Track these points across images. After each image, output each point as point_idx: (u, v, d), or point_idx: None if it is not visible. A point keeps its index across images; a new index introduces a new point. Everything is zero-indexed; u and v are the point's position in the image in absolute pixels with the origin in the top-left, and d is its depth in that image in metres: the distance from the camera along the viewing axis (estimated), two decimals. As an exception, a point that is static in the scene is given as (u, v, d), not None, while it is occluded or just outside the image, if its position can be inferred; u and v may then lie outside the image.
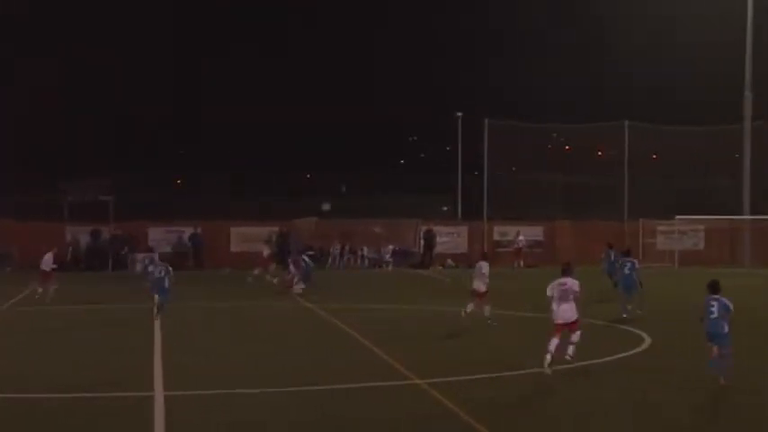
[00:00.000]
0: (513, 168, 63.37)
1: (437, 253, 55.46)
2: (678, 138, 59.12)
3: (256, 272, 42.53)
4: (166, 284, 28.61)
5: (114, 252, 52.54)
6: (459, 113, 59.85)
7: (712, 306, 18.42)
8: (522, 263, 54.59)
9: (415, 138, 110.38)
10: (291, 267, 38.21)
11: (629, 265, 29.56)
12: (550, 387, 18.35)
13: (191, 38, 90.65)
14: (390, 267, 54.17)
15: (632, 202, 58.26)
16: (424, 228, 56.00)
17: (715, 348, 18.30)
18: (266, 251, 44.04)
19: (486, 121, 57.59)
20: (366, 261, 55.01)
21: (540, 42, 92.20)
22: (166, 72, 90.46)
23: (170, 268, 29.38)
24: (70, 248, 51.81)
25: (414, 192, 76.28)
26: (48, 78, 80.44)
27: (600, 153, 68.53)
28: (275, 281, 39.65)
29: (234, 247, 54.36)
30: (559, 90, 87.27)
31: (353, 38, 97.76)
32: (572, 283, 19.93)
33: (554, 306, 19.78)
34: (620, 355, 21.43)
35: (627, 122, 59.21)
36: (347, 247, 55.13)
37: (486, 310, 27.12)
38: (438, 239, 55.72)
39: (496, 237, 57.65)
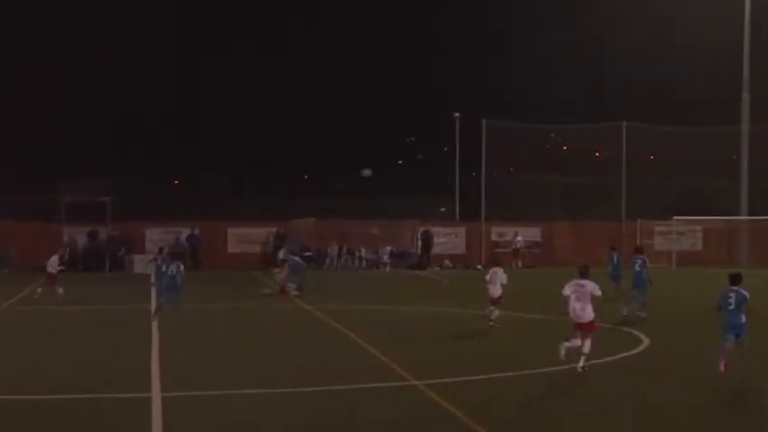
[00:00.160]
0: (511, 169, 63.48)
1: (435, 254, 55.47)
2: (676, 138, 59.17)
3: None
4: (179, 283, 29.07)
5: (111, 253, 52.52)
6: (457, 114, 59.87)
7: (730, 297, 18.67)
8: (520, 263, 54.62)
9: (413, 138, 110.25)
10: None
11: (639, 262, 29.47)
12: (549, 388, 18.33)
13: (190, 37, 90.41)
14: (388, 268, 54.17)
15: (630, 202, 58.29)
16: (421, 229, 55.99)
17: (731, 341, 18.54)
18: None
19: (484, 121, 57.61)
20: (364, 262, 55.01)
21: (538, 43, 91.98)
22: (165, 72, 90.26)
23: (182, 267, 29.82)
24: (67, 249, 51.78)
25: (411, 192, 76.12)
26: (47, 78, 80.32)
27: (598, 154, 68.57)
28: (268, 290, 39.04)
29: (231, 248, 54.40)
30: (557, 91, 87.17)
31: (351, 38, 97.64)
32: (592, 286, 20.06)
33: (572, 306, 19.96)
34: (619, 356, 21.41)
35: (624, 123, 59.24)
36: (345, 248, 55.11)
37: (495, 314, 27.07)
38: (436, 240, 55.72)
39: (494, 237, 57.67)
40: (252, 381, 18.76)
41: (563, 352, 19.64)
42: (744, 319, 18.57)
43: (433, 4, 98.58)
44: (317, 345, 24.13)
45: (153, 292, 34.23)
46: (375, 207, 63.25)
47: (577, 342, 19.66)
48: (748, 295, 18.62)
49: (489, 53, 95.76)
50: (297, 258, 39.23)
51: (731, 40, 58.47)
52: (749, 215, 57.17)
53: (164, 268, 31.40)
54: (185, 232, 53.65)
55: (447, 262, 55.26)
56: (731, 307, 18.62)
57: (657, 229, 57.34)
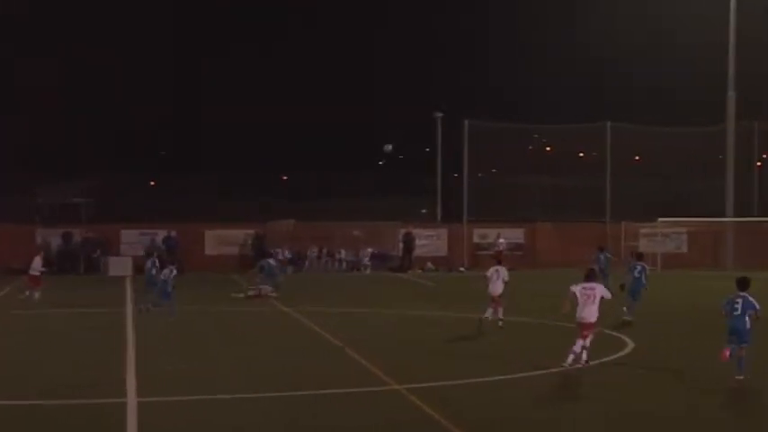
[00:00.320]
0: (494, 170, 63.48)
1: (416, 256, 55.41)
2: (661, 139, 59.26)
3: None
4: (170, 288, 29.81)
5: (86, 255, 52.30)
6: (439, 114, 59.81)
7: (737, 303, 18.89)
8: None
9: (395, 139, 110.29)
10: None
11: (638, 268, 29.70)
12: (532, 392, 18.37)
13: (164, 43, 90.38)
14: (368, 271, 54.13)
15: (615, 204, 58.35)
16: (402, 230, 55.93)
17: (727, 351, 18.73)
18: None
19: (466, 122, 57.58)
20: (344, 264, 54.93)
21: (521, 43, 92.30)
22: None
23: (174, 272, 30.45)
24: (41, 251, 51.50)
25: (393, 194, 76.25)
26: (28, 79, 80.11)
27: (582, 154, 68.64)
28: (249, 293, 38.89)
29: (209, 251, 54.22)
30: (541, 91, 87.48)
31: (330, 40, 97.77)
32: (601, 290, 20.57)
33: (578, 308, 20.42)
34: (603, 360, 21.43)
35: (609, 123, 59.31)
36: (324, 250, 55.03)
37: (496, 312, 27.23)
38: (417, 242, 55.65)
39: (476, 239, 57.67)
40: (229, 385, 18.71)
41: (571, 359, 20.12)
42: (748, 325, 18.79)
43: (415, 3, 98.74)
44: (295, 348, 24.07)
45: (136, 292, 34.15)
46: (355, 208, 63.23)
47: (581, 342, 20.19)
48: (758, 306, 18.81)
49: (472, 53, 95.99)
50: (270, 261, 39.24)
51: (716, 39, 58.65)
52: (735, 216, 57.34)
53: (153, 272, 32.18)
54: (161, 234, 53.43)
55: (429, 264, 55.25)
56: (737, 312, 18.84)
57: (642, 230, 57.41)
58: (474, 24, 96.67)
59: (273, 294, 36.52)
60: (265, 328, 28.58)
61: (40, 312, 32.04)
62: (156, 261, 33.57)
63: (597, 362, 21.24)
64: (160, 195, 76.66)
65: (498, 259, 29.48)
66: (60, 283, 42.45)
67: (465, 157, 57.86)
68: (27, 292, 34.79)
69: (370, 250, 55.35)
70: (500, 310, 27.23)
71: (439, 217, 60.53)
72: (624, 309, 28.55)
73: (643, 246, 56.64)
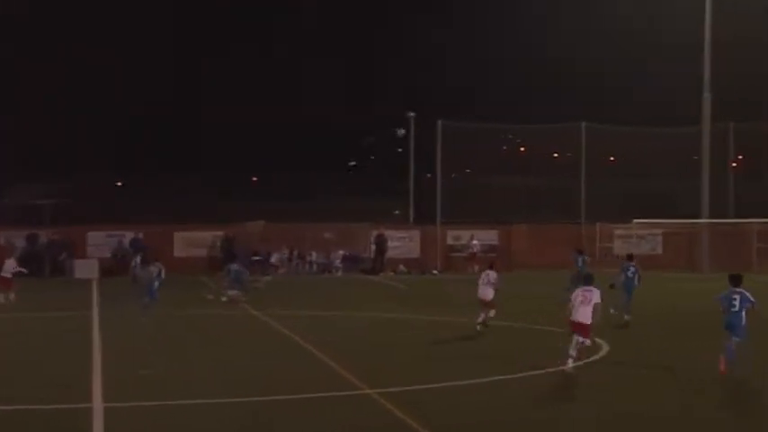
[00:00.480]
0: (468, 171, 63.60)
1: (389, 258, 55.42)
2: (636, 139, 59.46)
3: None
4: (156, 286, 30.31)
5: (52, 257, 51.98)
6: (412, 114, 59.85)
7: (734, 299, 19.45)
8: (477, 268, 54.61)
9: (369, 142, 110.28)
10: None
11: (631, 269, 30.45)
12: (506, 396, 18.40)
13: (143, 41, 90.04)
14: (340, 273, 54.09)
15: (589, 205, 58.52)
16: (374, 232, 55.89)
17: (734, 341, 19.34)
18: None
19: (439, 122, 57.64)
20: (315, 266, 54.86)
21: (494, 42, 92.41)
22: (107, 74, 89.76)
23: (162, 270, 30.78)
24: (13, 253, 51.23)
25: (364, 195, 76.23)
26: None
27: (556, 155, 68.87)
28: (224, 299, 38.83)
29: (178, 252, 53.98)
30: (515, 91, 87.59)
31: (299, 39, 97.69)
32: (597, 295, 20.81)
33: (573, 309, 20.80)
34: (577, 364, 21.47)
35: (584, 124, 59.47)
36: (295, 253, 54.94)
37: (492, 313, 27.52)
38: (390, 244, 55.65)
39: (450, 241, 57.74)
40: (197, 390, 18.62)
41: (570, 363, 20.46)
42: (744, 320, 19.37)
43: (388, 4, 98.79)
44: (265, 352, 24.02)
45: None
46: (327, 210, 63.15)
47: (587, 342, 20.72)
48: (755, 300, 19.47)
49: (445, 52, 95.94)
50: (235, 266, 39.27)
51: (692, 40, 58.96)
52: (711, 218, 57.63)
53: (136, 271, 32.22)
54: (129, 236, 53.20)
55: (401, 266, 55.26)
56: (735, 309, 19.42)
57: (617, 232, 57.67)
58: (447, 24, 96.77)
59: (243, 299, 36.53)
60: (235, 332, 28.48)
61: (4, 317, 31.80)
62: (139, 259, 33.92)
63: (572, 365, 21.30)
64: (127, 196, 76.38)
65: (490, 264, 29.53)
66: (25, 286, 42.10)
67: (438, 157, 57.91)
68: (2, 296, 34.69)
69: (341, 252, 55.31)
70: (492, 313, 27.39)
71: (411, 218, 60.56)
72: (611, 310, 28.85)
73: (617, 247, 56.99)
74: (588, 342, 20.88)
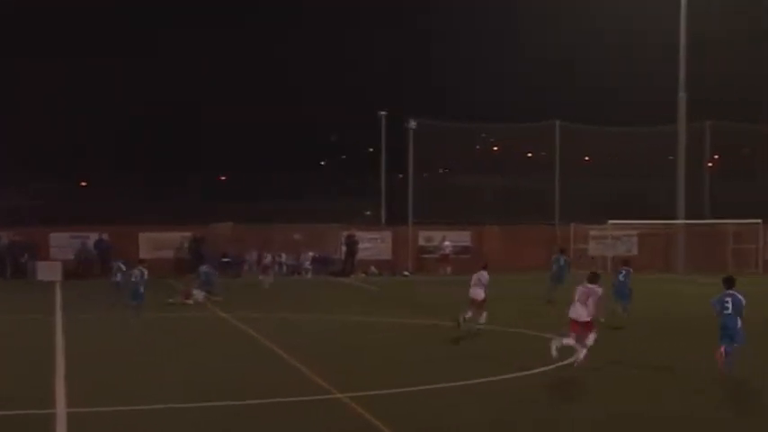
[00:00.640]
0: (440, 170, 63.64)
1: (359, 260, 55.39)
2: (611, 139, 59.71)
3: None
4: (141, 289, 30.66)
5: (13, 258, 51.64)
6: (383, 112, 59.82)
7: (727, 302, 19.72)
8: (449, 270, 54.78)
9: (336, 138, 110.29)
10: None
11: (623, 272, 31.12)
12: (478, 400, 18.41)
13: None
14: (310, 275, 54.02)
15: (564, 205, 58.69)
16: (345, 233, 55.83)
17: (722, 349, 19.65)
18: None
19: (411, 120, 57.65)
20: (284, 268, 54.74)
21: (468, 40, 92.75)
22: (60, 71, 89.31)
23: (145, 272, 31.14)
24: None
25: (335, 195, 76.25)
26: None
27: (530, 154, 69.02)
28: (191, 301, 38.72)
29: (143, 254, 53.60)
30: (488, 89, 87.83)
31: (271, 38, 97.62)
32: (597, 293, 21.42)
33: (571, 306, 21.51)
34: (549, 367, 21.54)
35: (558, 122, 59.64)
36: (264, 254, 54.82)
37: (483, 317, 27.70)
38: (360, 245, 55.61)
39: (422, 242, 57.75)
40: (164, 395, 18.55)
41: (555, 349, 21.18)
42: (740, 323, 19.66)
43: (358, 2, 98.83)
44: (234, 356, 23.95)
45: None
46: (296, 210, 63.07)
47: (570, 341, 21.14)
48: (744, 302, 19.78)
49: (418, 50, 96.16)
50: (204, 268, 39.26)
51: (668, 40, 59.25)
52: (687, 219, 57.93)
53: (118, 276, 34.16)
54: (93, 237, 52.93)
55: (372, 268, 55.24)
56: (728, 311, 19.69)
57: (592, 233, 57.86)
58: (420, 22, 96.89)
59: (218, 298, 36.53)
60: (203, 335, 28.40)
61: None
62: (122, 264, 34.72)
63: (543, 369, 21.35)
64: (92, 196, 76.02)
65: (483, 265, 29.56)
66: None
67: (410, 157, 57.91)
68: None
69: (311, 254, 55.22)
70: (483, 317, 27.56)
71: (383, 219, 60.54)
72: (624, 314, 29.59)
73: (592, 249, 57.21)
74: (593, 338, 21.39)
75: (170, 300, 36.73)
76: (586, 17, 72.59)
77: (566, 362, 21.82)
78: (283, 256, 54.83)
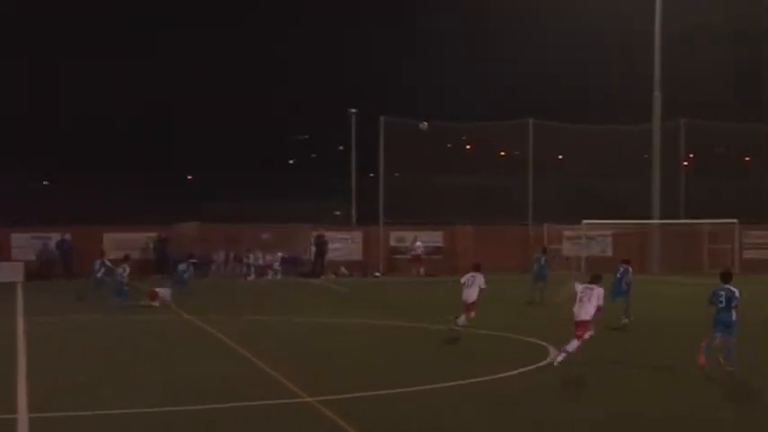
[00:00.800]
0: (411, 170, 63.57)
1: (329, 260, 55.38)
2: (585, 138, 59.87)
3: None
4: (126, 287, 31.80)
5: (-29, 260, 51.43)
6: (353, 110, 59.83)
7: (721, 295, 20.44)
8: (422, 271, 54.84)
9: (306, 136, 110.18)
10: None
11: (621, 270, 31.43)
12: (451, 403, 18.41)
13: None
14: (279, 276, 53.95)
15: (537, 205, 58.82)
16: (315, 233, 55.79)
17: (718, 337, 20.28)
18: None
19: (382, 118, 57.66)
20: (252, 269, 54.66)
21: (439, 37, 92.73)
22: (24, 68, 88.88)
23: (127, 269, 32.60)
24: None
25: (304, 194, 76.10)
26: None
27: (503, 153, 69.15)
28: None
29: (107, 255, 53.44)
30: (461, 87, 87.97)
31: (238, 35, 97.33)
32: (599, 292, 21.94)
33: (575, 307, 21.84)
34: (522, 370, 21.57)
35: (531, 121, 59.74)
36: (232, 254, 54.74)
37: (462, 318, 27.50)
38: (330, 246, 55.60)
39: (393, 243, 57.79)
40: (129, 399, 18.44)
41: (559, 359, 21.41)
42: (734, 317, 20.29)
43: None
44: (199, 359, 23.86)
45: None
46: (265, 210, 62.96)
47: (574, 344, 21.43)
48: (738, 295, 20.35)
49: (388, 47, 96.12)
50: (183, 266, 39.27)
51: (643, 38, 59.52)
52: (662, 218, 58.19)
53: (99, 274, 34.56)
54: (55, 237, 52.66)
55: (343, 269, 55.25)
56: (722, 305, 20.35)
57: (566, 233, 58.05)
58: (393, 21, 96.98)
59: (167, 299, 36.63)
60: (168, 338, 28.28)
61: None
62: (107, 261, 35.12)
63: (517, 371, 21.38)
64: (54, 196, 75.59)
65: (475, 265, 29.57)
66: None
67: (381, 155, 57.94)
68: None
69: (280, 254, 55.16)
70: (472, 314, 27.48)
71: (353, 219, 60.57)
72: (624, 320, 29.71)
73: (566, 249, 57.41)
74: (587, 336, 21.72)
75: (141, 302, 36.60)
76: (561, 15, 72.90)
77: (539, 364, 21.91)
78: (251, 256, 54.73)
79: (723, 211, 55.83)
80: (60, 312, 33.37)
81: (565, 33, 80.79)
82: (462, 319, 27.34)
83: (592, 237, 58.45)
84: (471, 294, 27.54)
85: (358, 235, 58.13)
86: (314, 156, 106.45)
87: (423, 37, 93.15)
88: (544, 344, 25.19)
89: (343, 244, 57.25)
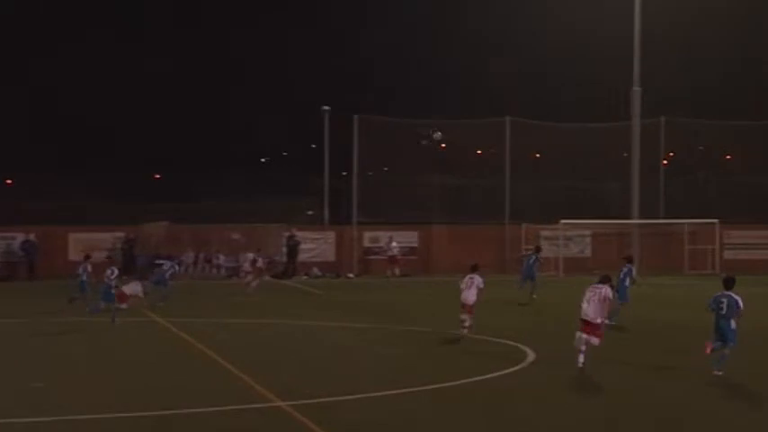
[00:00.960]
0: (385, 168, 63.46)
1: (301, 261, 55.24)
2: (563, 135, 59.92)
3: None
4: (113, 289, 31.62)
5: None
6: (326, 108, 59.70)
7: (722, 302, 20.44)
8: (398, 271, 54.73)
9: (278, 135, 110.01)
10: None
11: (624, 270, 31.65)
12: (427, 408, 18.36)
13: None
14: (250, 277, 53.71)
15: (514, 204, 58.78)
16: (286, 233, 55.63)
17: (708, 345, 20.43)
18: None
19: (356, 116, 57.54)
20: (222, 270, 54.45)
21: (414, 33, 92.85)
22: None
23: (116, 271, 32.45)
24: None
25: (276, 194, 75.86)
26: None
27: (479, 152, 69.12)
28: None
29: (73, 255, 53.07)
30: (435, 84, 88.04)
31: (209, 32, 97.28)
32: (607, 290, 22.35)
33: (583, 305, 22.13)
34: (499, 373, 21.54)
35: (508, 118, 59.71)
36: (201, 255, 54.52)
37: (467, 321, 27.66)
38: (303, 246, 55.46)
39: (367, 243, 57.66)
40: (93, 404, 18.35)
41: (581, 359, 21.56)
42: (733, 324, 20.32)
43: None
44: (167, 362, 23.76)
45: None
46: (235, 209, 62.71)
47: (583, 346, 21.62)
48: (741, 304, 20.35)
49: (363, 43, 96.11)
50: (168, 264, 39.15)
51: (622, 34, 59.59)
52: (641, 218, 58.25)
53: (84, 276, 34.59)
54: (19, 238, 52.35)
55: (315, 270, 55.11)
56: (722, 312, 20.36)
57: (543, 233, 57.93)
58: (365, 17, 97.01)
59: (160, 304, 36.33)
60: (135, 341, 28.11)
61: None
62: (89, 266, 35.18)
63: (494, 375, 21.38)
64: (17, 195, 75.09)
65: (473, 266, 29.48)
66: None
67: (355, 154, 57.78)
68: None
69: (251, 255, 54.91)
70: (470, 318, 27.57)
71: (326, 219, 60.42)
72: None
73: (544, 249, 57.24)
74: (597, 341, 21.82)
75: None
76: (538, 11, 73.04)
77: (517, 368, 21.88)
78: (221, 257, 54.53)
79: (704, 211, 56.00)
80: (23, 315, 33.11)
81: (543, 30, 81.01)
82: (467, 319, 27.45)
83: (570, 237, 58.48)
84: (470, 296, 27.71)
85: (331, 235, 57.99)
86: (286, 154, 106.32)
87: (398, 34, 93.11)
88: (522, 346, 25.16)
89: (316, 244, 57.11)
